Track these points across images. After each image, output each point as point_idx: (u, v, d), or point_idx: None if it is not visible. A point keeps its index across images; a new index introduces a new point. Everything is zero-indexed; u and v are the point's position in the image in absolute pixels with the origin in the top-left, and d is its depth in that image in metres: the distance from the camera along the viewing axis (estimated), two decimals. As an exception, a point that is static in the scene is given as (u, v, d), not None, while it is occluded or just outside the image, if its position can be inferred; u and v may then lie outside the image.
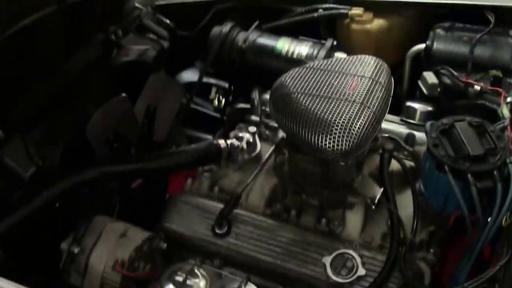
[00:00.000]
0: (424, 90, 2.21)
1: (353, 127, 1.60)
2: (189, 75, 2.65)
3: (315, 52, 2.26)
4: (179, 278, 1.55)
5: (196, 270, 1.57)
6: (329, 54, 2.26)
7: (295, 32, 2.43)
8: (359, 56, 1.87)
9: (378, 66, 1.82)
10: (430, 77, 2.21)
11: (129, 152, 2.12)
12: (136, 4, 2.45)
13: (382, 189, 1.77)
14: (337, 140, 1.59)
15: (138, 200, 2.07)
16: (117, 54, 2.22)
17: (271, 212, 1.88)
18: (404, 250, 1.68)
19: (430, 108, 2.10)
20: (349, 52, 2.32)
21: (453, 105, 2.20)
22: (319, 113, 1.63)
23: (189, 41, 2.58)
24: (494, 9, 2.29)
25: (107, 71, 2.19)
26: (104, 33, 2.21)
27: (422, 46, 2.34)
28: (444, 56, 2.27)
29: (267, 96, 2.19)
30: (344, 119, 1.61)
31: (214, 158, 1.90)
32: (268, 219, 1.83)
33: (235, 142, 1.94)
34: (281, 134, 2.01)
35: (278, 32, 2.44)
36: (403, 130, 2.07)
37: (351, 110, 1.63)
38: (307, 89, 1.71)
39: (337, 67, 1.80)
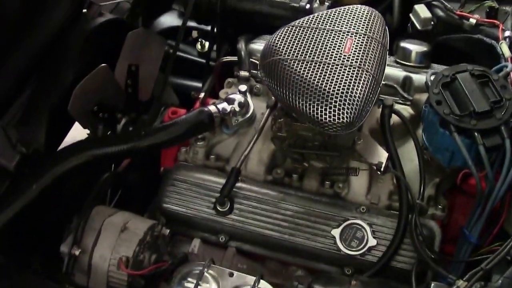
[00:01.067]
0: (417, 25, 2.12)
1: (352, 95, 1.54)
2: (169, 19, 2.53)
3: (300, -9, 2.13)
4: (190, 285, 1.51)
5: (206, 274, 1.52)
6: (314, -8, 2.14)
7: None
8: (350, 7, 1.76)
9: (371, 18, 1.73)
10: (422, 10, 2.12)
11: (116, 118, 2.05)
12: None
13: (386, 153, 1.70)
14: (337, 112, 1.53)
15: (131, 179, 2.01)
16: (90, 14, 2.09)
17: (272, 178, 1.82)
18: (414, 216, 1.64)
19: (425, 48, 2.00)
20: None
21: (449, 39, 2.12)
22: (315, 82, 1.56)
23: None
24: None
25: (82, 32, 2.06)
26: None
27: (411, -23, 2.21)
28: (436, -15, 2.16)
29: (254, 45, 2.10)
30: (342, 87, 1.54)
31: (207, 127, 1.82)
32: (270, 191, 1.78)
33: (227, 106, 1.85)
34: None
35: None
36: (399, 73, 1.98)
37: (349, 76, 1.57)
38: (300, 53, 1.62)
39: (328, 24, 1.69)
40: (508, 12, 2.07)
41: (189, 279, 1.52)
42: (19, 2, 1.82)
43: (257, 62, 2.01)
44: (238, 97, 1.89)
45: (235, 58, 2.11)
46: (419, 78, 1.96)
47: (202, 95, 2.10)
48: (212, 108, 1.81)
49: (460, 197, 1.82)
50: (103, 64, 1.91)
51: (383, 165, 1.66)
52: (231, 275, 1.56)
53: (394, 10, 2.31)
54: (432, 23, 2.11)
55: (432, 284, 1.47)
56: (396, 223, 1.66)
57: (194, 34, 2.63)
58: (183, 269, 1.56)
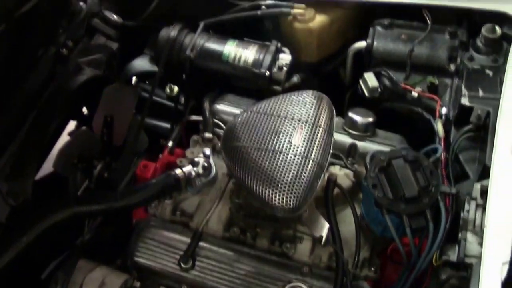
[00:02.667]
0: (365, 92, 2.34)
1: (299, 183, 1.78)
2: (140, 64, 2.72)
3: (261, 57, 2.35)
4: None
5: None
6: (274, 58, 2.36)
7: (240, 25, 2.51)
8: (300, 93, 1.98)
9: (319, 106, 1.95)
10: (370, 79, 2.33)
11: (92, 166, 2.27)
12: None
13: (327, 225, 1.95)
14: (284, 198, 1.77)
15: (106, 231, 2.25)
16: (70, 71, 2.28)
17: (229, 235, 2.06)
18: (348, 281, 1.90)
19: (371, 119, 2.23)
20: (294, 48, 2.44)
21: (393, 107, 2.35)
22: (268, 169, 1.79)
23: (136, 29, 2.62)
24: (430, 7, 2.36)
25: (64, 90, 2.26)
26: (55, 46, 2.24)
27: (362, 43, 2.43)
28: (384, 56, 2.38)
29: (217, 106, 2.33)
30: (291, 176, 1.78)
31: (174, 189, 2.03)
32: (227, 251, 2.01)
33: (191, 169, 2.06)
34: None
35: (223, 26, 2.51)
36: (346, 140, 2.24)
37: (297, 165, 1.80)
38: (256, 141, 1.85)
39: (282, 111, 1.92)
40: (448, 85, 2.30)
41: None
42: (4, 64, 2.01)
43: (220, 123, 2.26)
44: (202, 160, 2.08)
45: (199, 117, 2.33)
46: (363, 145, 2.21)
47: (170, 144, 2.33)
48: (178, 171, 2.02)
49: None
50: (84, 128, 2.13)
51: (323, 239, 1.91)
52: None
53: (347, 70, 2.55)
54: (379, 90, 2.34)
55: None
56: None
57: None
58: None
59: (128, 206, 1.98)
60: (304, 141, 1.85)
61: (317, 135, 1.87)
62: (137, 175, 2.24)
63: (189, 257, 1.99)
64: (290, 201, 1.76)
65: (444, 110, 2.19)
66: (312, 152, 1.83)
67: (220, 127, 2.29)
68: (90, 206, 1.92)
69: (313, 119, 1.90)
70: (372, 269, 2.00)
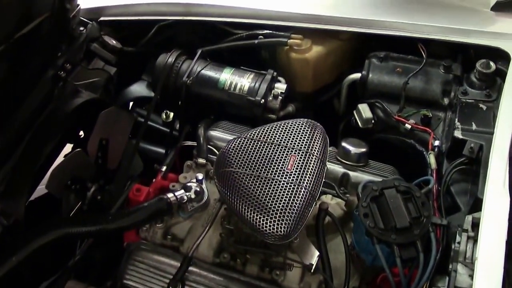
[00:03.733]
0: (359, 123, 2.37)
1: (290, 211, 1.78)
2: (137, 89, 2.74)
3: (256, 86, 2.38)
4: None
5: None
6: (270, 87, 2.38)
7: (237, 54, 2.53)
8: (295, 122, 1.99)
9: (313, 134, 1.96)
10: (364, 110, 2.36)
11: (86, 188, 2.27)
12: (81, 18, 2.48)
13: (317, 253, 1.95)
14: (275, 225, 1.77)
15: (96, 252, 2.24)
16: (67, 94, 2.29)
17: (219, 261, 2.06)
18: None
19: (364, 149, 2.25)
20: (289, 77, 2.46)
21: (386, 138, 2.37)
22: (259, 196, 1.80)
23: (135, 55, 2.64)
24: (426, 41, 2.40)
25: (60, 112, 2.27)
26: (53, 69, 2.26)
27: (357, 75, 2.46)
28: (379, 87, 2.41)
29: (212, 132, 2.35)
30: (282, 203, 1.78)
31: (166, 213, 2.04)
32: (217, 277, 2.01)
33: (184, 194, 2.06)
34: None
35: (221, 54, 2.54)
36: (339, 169, 2.26)
37: (289, 193, 1.80)
38: (249, 167, 1.86)
39: (276, 139, 1.93)
40: (441, 119, 2.32)
41: None
42: (2, 84, 2.03)
43: (214, 150, 2.27)
44: (195, 185, 2.10)
45: (194, 143, 2.34)
46: (355, 175, 2.22)
47: (164, 168, 2.33)
48: (170, 196, 2.03)
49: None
50: (78, 150, 2.13)
51: (313, 267, 1.91)
52: None
53: (341, 100, 2.57)
54: (372, 121, 2.36)
55: None
56: None
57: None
58: None
59: (120, 229, 1.97)
60: (296, 169, 1.86)
61: (310, 163, 1.88)
62: (130, 198, 2.24)
63: (178, 281, 1.98)
64: (281, 228, 1.76)
65: (437, 143, 2.21)
66: (304, 180, 1.84)
67: (214, 153, 2.30)
68: (81, 227, 1.90)
69: (306, 147, 1.91)
70: None
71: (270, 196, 1.79)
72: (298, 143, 1.92)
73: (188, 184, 2.11)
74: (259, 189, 1.81)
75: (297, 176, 1.84)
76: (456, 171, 2.08)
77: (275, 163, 1.87)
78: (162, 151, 2.58)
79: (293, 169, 1.85)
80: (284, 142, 1.92)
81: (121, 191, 2.35)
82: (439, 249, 1.84)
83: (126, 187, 2.35)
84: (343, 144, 2.27)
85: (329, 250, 2.00)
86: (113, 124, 2.37)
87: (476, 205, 1.90)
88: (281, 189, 1.81)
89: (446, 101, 2.33)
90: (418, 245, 1.82)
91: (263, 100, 2.35)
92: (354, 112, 2.40)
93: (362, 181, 2.00)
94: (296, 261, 2.00)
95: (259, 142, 1.92)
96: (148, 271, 2.04)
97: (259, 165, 1.86)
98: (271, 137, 1.94)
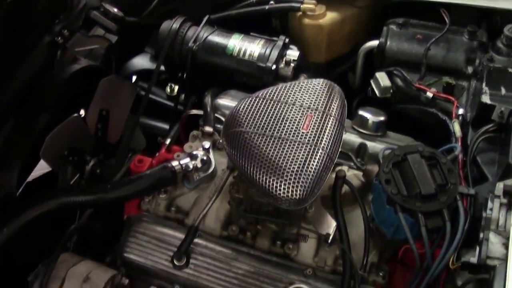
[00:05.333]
0: (377, 92, 2.24)
1: (307, 173, 1.62)
2: (141, 62, 2.61)
3: (267, 52, 2.23)
4: None
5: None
6: (281, 53, 2.24)
7: (246, 22, 2.38)
8: (311, 81, 1.85)
9: (331, 94, 1.82)
10: (383, 79, 2.23)
11: (84, 160, 2.12)
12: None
13: (334, 223, 1.80)
14: (290, 188, 1.61)
15: (95, 225, 2.09)
16: (66, 61, 2.15)
17: (227, 234, 1.91)
18: (357, 284, 1.74)
19: (382, 118, 2.10)
20: (302, 46, 2.31)
21: (406, 109, 2.23)
22: (272, 157, 1.64)
23: (138, 26, 2.50)
24: (448, 6, 2.27)
25: (57, 79, 2.13)
26: (50, 35, 2.12)
27: (375, 42, 2.32)
28: (398, 55, 2.29)
29: (219, 101, 2.20)
30: (298, 164, 1.63)
31: (170, 182, 1.90)
32: (224, 249, 1.86)
33: (189, 162, 1.92)
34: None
35: (229, 22, 2.39)
36: (355, 139, 2.10)
37: (305, 154, 1.65)
38: (261, 127, 1.71)
39: (290, 98, 1.78)
40: (465, 88, 2.19)
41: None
42: (7, 42, 1.89)
43: (222, 118, 2.12)
44: (201, 154, 1.95)
45: (200, 112, 2.19)
46: (373, 145, 2.07)
47: (168, 141, 2.18)
48: (175, 163, 1.88)
49: (400, 265, 1.92)
50: (75, 115, 1.98)
51: (330, 238, 1.76)
52: None
53: (357, 72, 2.43)
54: (391, 91, 2.22)
55: None
56: None
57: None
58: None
59: (119, 198, 1.82)
60: (313, 129, 1.70)
61: (327, 123, 1.73)
62: (131, 170, 2.08)
63: (183, 253, 1.83)
64: (296, 192, 1.61)
65: (461, 111, 2.09)
66: (322, 141, 1.68)
67: (222, 123, 2.14)
68: (77, 197, 1.77)
69: (323, 107, 1.76)
70: (381, 274, 1.85)
71: (285, 158, 1.64)
72: (315, 102, 1.77)
73: (194, 152, 1.97)
74: (272, 150, 1.65)
75: (314, 137, 1.68)
76: (483, 140, 1.95)
77: (290, 123, 1.71)
78: (167, 126, 2.42)
79: (310, 130, 1.70)
80: (299, 102, 1.77)
81: (122, 164, 2.20)
82: (467, 219, 1.69)
83: (127, 159, 2.19)
84: (360, 112, 2.12)
85: (346, 224, 1.84)
86: (114, 94, 2.22)
87: (507, 173, 1.77)
88: (296, 150, 1.65)
89: (470, 69, 2.21)
90: (445, 214, 1.67)
91: (274, 66, 2.20)
92: (371, 81, 2.26)
93: (382, 148, 1.86)
94: (311, 231, 1.84)
95: (272, 102, 1.78)
96: (151, 244, 1.88)
97: (272, 125, 1.71)
98: (285, 96, 1.79)
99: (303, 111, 1.75)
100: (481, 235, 1.63)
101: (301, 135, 1.68)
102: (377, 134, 2.10)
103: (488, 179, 1.87)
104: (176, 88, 2.49)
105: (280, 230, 1.87)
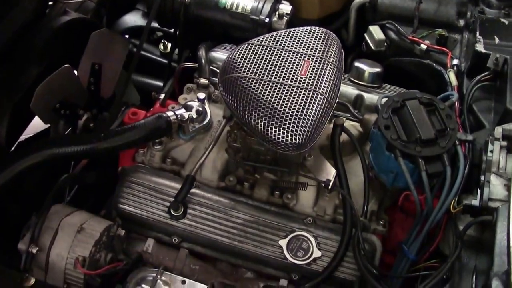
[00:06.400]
0: (371, 45, 2.23)
1: (306, 117, 1.62)
2: (133, 19, 2.57)
3: (260, 5, 2.21)
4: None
5: (159, 281, 1.60)
6: (274, 7, 2.22)
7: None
8: (308, 29, 1.83)
9: (328, 41, 1.81)
10: (376, 32, 2.23)
11: (77, 115, 2.08)
12: None
13: (334, 170, 1.79)
14: (289, 133, 1.61)
15: (89, 177, 2.05)
16: (55, 14, 2.11)
17: (225, 185, 1.89)
18: (357, 233, 1.74)
19: (378, 69, 2.11)
20: (294, 2, 2.29)
21: (400, 61, 2.23)
22: (271, 102, 1.63)
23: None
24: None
25: (46, 31, 2.08)
26: None
27: (367, -3, 2.31)
28: (390, 9, 2.29)
29: (214, 53, 2.18)
30: (297, 109, 1.62)
31: (164, 132, 1.87)
32: (222, 199, 1.84)
33: (185, 112, 1.90)
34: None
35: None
36: (352, 91, 2.10)
37: (304, 98, 1.64)
38: (258, 73, 1.69)
39: (287, 45, 1.77)
40: (457, 40, 2.19)
41: (143, 285, 1.59)
42: None
43: (217, 70, 2.09)
44: (196, 105, 1.94)
45: (195, 65, 2.16)
46: (370, 97, 2.07)
47: (162, 96, 2.16)
48: (170, 114, 1.86)
49: (400, 214, 1.92)
50: (66, 65, 1.94)
51: (331, 183, 1.75)
52: (183, 282, 1.64)
53: (350, 28, 2.42)
54: (385, 44, 2.22)
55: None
56: (340, 236, 1.76)
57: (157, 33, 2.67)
58: (137, 274, 1.63)
59: (113, 148, 1.78)
60: (311, 74, 1.70)
61: (325, 69, 1.72)
62: (125, 123, 2.05)
63: (180, 203, 1.81)
64: (295, 136, 1.60)
65: (455, 61, 2.10)
66: (320, 86, 1.68)
67: (216, 75, 2.11)
68: (71, 147, 1.73)
69: (321, 53, 1.75)
70: (381, 222, 1.85)
71: (283, 103, 1.63)
72: (312, 49, 1.76)
73: (189, 103, 1.95)
74: (271, 95, 1.64)
75: (313, 82, 1.68)
76: (478, 89, 1.96)
77: (288, 68, 1.71)
78: (161, 83, 2.39)
79: (308, 75, 1.69)
80: (296, 48, 1.76)
81: (116, 117, 2.16)
82: (466, 163, 1.69)
83: (121, 112, 2.16)
84: (356, 64, 2.12)
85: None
86: (106, 48, 2.17)
87: (505, 118, 1.78)
88: (295, 95, 1.65)
89: (461, 22, 2.23)
90: (445, 159, 1.68)
91: (268, 19, 2.18)
92: (365, 35, 2.26)
93: (380, 96, 1.86)
94: (310, 178, 1.83)
95: (269, 48, 1.76)
96: (146, 194, 1.86)
97: (270, 71, 1.70)
98: (282, 43, 1.78)
99: (300, 57, 1.74)
100: (482, 177, 1.64)
101: (300, 80, 1.68)
102: (374, 85, 2.10)
103: (485, 126, 1.88)
104: (169, 45, 2.46)
105: (279, 179, 1.86)
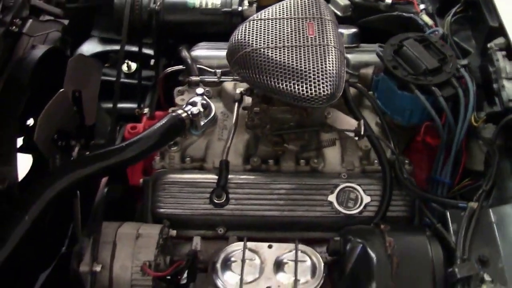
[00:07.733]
0: (338, 13, 2.31)
1: (327, 70, 1.68)
2: (89, 47, 2.55)
3: (228, -2, 2.27)
4: (236, 265, 1.61)
5: (247, 251, 1.61)
6: (242, -3, 2.29)
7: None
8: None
9: (318, 3, 1.89)
10: (340, -1, 2.32)
11: (70, 146, 2.05)
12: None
13: (355, 121, 1.86)
14: (317, 86, 1.66)
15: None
16: (23, 47, 2.08)
17: (250, 167, 1.93)
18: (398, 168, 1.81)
19: (354, 29, 2.20)
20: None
21: (368, 21, 2.33)
22: (290, 64, 1.70)
23: (80, 12, 2.47)
24: None
25: (28, 65, 2.05)
26: (3, 26, 2.04)
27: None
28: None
29: (195, 52, 2.21)
30: (316, 64, 1.69)
31: (180, 130, 1.87)
32: (259, 176, 1.87)
33: (193, 108, 1.92)
34: (226, 85, 2.08)
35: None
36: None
37: (319, 54, 1.71)
38: (269, 41, 1.75)
39: (285, 14, 1.84)
40: None
41: (232, 258, 1.61)
42: None
43: (203, 68, 2.13)
44: (200, 99, 1.95)
45: (180, 67, 2.19)
46: (353, 57, 2.16)
47: (146, 110, 2.17)
48: (181, 112, 1.88)
49: (415, 155, 2.00)
50: (61, 90, 1.91)
51: (362, 129, 1.81)
52: (270, 247, 1.65)
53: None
54: (350, 9, 2.32)
55: (448, 212, 1.61)
56: (381, 179, 1.83)
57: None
58: (217, 257, 1.65)
59: (141, 154, 1.75)
60: (318, 33, 1.77)
61: (327, 26, 1.81)
62: (126, 139, 2.03)
63: (222, 189, 1.82)
64: (323, 88, 1.66)
65: (422, 6, 2.21)
66: (329, 39, 1.76)
67: (203, 73, 2.15)
68: (95, 164, 1.68)
69: (318, 14, 1.84)
70: (406, 161, 1.92)
71: (302, 62, 1.69)
72: (308, 12, 1.85)
73: (192, 99, 1.96)
74: (288, 58, 1.71)
75: (322, 38, 1.76)
76: (453, 22, 2.08)
77: (295, 33, 1.78)
78: (133, 105, 2.37)
79: (316, 34, 1.77)
80: (293, 15, 1.84)
81: (112, 138, 2.13)
82: (473, 81, 1.81)
83: (116, 132, 2.14)
84: (336, 30, 2.21)
85: None
86: (83, 74, 2.15)
87: (490, 36, 1.91)
88: (311, 53, 1.72)
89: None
90: (454, 81, 1.79)
91: (240, 8, 2.25)
92: (330, 5, 2.33)
93: (362, 60, 2.01)
94: (341, 131, 1.90)
95: (269, 20, 1.83)
96: (183, 192, 1.86)
97: (280, 38, 1.76)
98: (280, 14, 1.85)
99: (302, 21, 1.81)
100: (495, 86, 1.77)
101: (310, 40, 1.75)
102: (353, 45, 2.19)
103: (470, 52, 2.01)
104: (133, 65, 2.46)
105: (306, 144, 1.91)
